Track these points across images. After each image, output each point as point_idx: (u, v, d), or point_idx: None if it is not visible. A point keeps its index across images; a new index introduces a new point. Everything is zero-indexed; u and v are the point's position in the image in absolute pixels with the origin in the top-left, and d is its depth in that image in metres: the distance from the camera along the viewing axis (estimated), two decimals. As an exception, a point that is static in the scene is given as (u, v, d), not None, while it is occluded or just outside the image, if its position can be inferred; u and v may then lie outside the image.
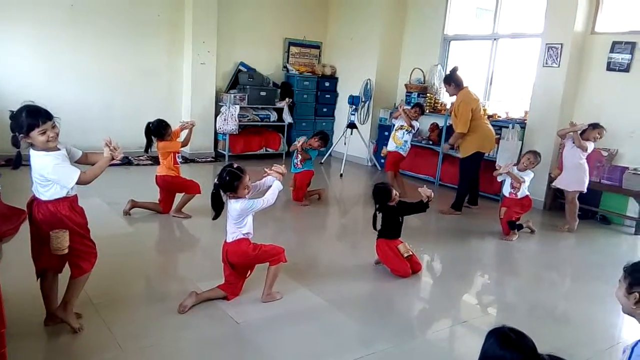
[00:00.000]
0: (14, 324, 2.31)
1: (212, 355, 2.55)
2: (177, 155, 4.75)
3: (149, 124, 4.58)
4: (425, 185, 3.82)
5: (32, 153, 2.40)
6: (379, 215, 3.77)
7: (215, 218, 2.99)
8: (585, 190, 5.18)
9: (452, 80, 5.54)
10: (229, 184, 2.89)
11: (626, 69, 5.50)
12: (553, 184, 5.49)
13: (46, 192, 2.43)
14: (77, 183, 2.43)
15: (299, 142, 5.42)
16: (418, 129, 6.22)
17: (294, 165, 5.52)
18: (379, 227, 3.78)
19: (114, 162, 2.58)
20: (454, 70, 5.59)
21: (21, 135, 2.33)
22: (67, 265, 2.62)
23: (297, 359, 2.55)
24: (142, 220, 4.60)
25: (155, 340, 2.59)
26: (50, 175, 2.38)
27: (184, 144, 4.92)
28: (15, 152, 2.43)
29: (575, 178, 5.16)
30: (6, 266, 2.69)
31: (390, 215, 3.74)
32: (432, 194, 3.69)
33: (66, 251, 2.45)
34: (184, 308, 2.89)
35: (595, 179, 5.54)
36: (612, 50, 5.61)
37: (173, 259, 3.97)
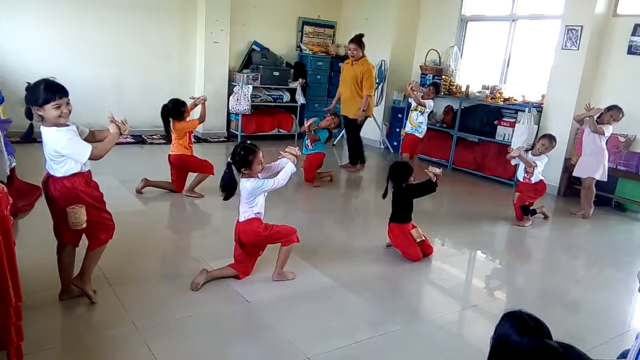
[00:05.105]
0: (30, 298, 2.35)
1: (223, 333, 2.58)
2: (191, 134, 4.75)
3: (164, 106, 4.56)
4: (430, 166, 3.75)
5: (43, 129, 2.42)
6: (390, 196, 3.74)
7: (226, 198, 3.00)
8: (599, 178, 5.06)
9: (363, 45, 5.92)
10: (244, 158, 2.90)
11: (648, 52, 5.37)
12: (573, 173, 5.38)
13: (61, 169, 2.46)
14: (90, 158, 2.46)
15: (307, 123, 5.41)
16: (432, 110, 6.14)
17: (305, 146, 5.53)
18: (387, 197, 3.74)
19: (128, 139, 2.60)
20: (363, 35, 5.96)
21: (35, 107, 2.36)
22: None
23: (307, 337, 2.57)
24: (155, 198, 4.63)
25: (166, 317, 2.63)
26: (64, 149, 2.40)
27: (201, 120, 4.91)
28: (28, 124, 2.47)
29: (591, 165, 5.06)
30: (21, 241, 2.74)
31: (401, 198, 3.72)
32: (441, 172, 3.64)
33: (84, 226, 2.52)
34: (196, 285, 2.92)
35: (612, 165, 5.43)
36: (634, 33, 5.47)
37: (185, 237, 4.01)
